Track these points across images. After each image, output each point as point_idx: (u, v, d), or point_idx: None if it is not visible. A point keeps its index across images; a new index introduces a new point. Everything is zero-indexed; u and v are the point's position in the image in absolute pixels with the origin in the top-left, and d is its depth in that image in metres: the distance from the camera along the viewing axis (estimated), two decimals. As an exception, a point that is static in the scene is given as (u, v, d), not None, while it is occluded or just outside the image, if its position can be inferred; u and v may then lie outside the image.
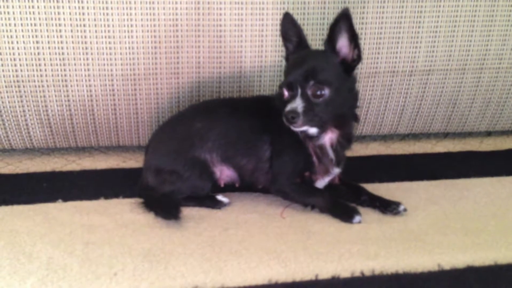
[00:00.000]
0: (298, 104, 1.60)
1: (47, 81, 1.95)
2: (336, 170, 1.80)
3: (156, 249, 1.50)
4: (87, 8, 1.88)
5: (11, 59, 1.90)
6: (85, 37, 1.91)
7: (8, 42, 1.87)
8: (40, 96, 1.98)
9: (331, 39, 1.63)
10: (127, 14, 1.92)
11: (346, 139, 1.76)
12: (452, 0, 2.10)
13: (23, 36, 1.87)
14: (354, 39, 1.62)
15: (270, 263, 1.45)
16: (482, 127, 2.44)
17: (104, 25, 1.91)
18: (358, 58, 1.65)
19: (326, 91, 1.61)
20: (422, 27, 2.12)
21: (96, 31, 1.91)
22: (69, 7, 1.87)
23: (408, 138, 2.51)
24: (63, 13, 1.87)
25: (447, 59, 2.19)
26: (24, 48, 1.89)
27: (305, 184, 1.77)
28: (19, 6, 1.84)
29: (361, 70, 2.14)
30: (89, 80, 1.98)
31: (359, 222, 1.67)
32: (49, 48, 1.90)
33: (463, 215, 1.74)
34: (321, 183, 1.81)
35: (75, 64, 1.94)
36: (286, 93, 1.66)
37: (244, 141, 1.80)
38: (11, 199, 1.79)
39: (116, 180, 1.97)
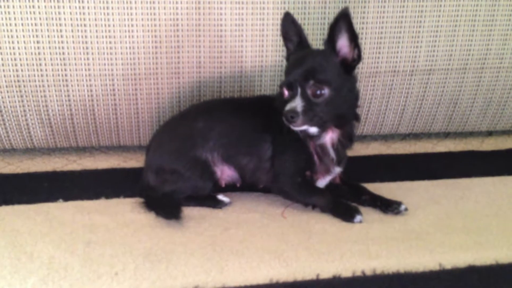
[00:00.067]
0: (297, 103, 1.60)
1: (47, 80, 1.95)
2: (337, 170, 1.80)
3: (157, 249, 1.50)
4: (88, 8, 1.88)
5: (11, 59, 1.90)
6: (86, 37, 1.91)
7: (9, 42, 1.87)
8: (41, 96, 1.98)
9: (331, 39, 1.63)
10: (128, 14, 1.92)
11: (347, 138, 1.76)
12: (453, 0, 2.10)
13: (23, 36, 1.87)
14: (354, 38, 1.62)
15: (271, 263, 1.45)
16: (483, 126, 2.44)
17: (105, 25, 1.91)
18: (358, 58, 1.65)
19: (326, 91, 1.61)
20: (423, 26, 2.12)
21: (96, 31, 1.91)
22: (70, 7, 1.87)
23: (409, 137, 2.51)
24: (64, 12, 1.87)
25: (448, 58, 2.19)
26: (25, 47, 1.89)
27: (306, 184, 1.77)
28: (20, 6, 1.84)
29: (362, 70, 2.14)
30: (90, 80, 1.98)
31: (360, 221, 1.67)
32: (49, 47, 1.90)
33: (464, 215, 1.74)
34: (322, 182, 1.80)
35: (75, 64, 1.94)
36: (286, 92, 1.66)
37: (245, 141, 1.79)
38: (12, 199, 1.79)
39: (117, 180, 1.97)
